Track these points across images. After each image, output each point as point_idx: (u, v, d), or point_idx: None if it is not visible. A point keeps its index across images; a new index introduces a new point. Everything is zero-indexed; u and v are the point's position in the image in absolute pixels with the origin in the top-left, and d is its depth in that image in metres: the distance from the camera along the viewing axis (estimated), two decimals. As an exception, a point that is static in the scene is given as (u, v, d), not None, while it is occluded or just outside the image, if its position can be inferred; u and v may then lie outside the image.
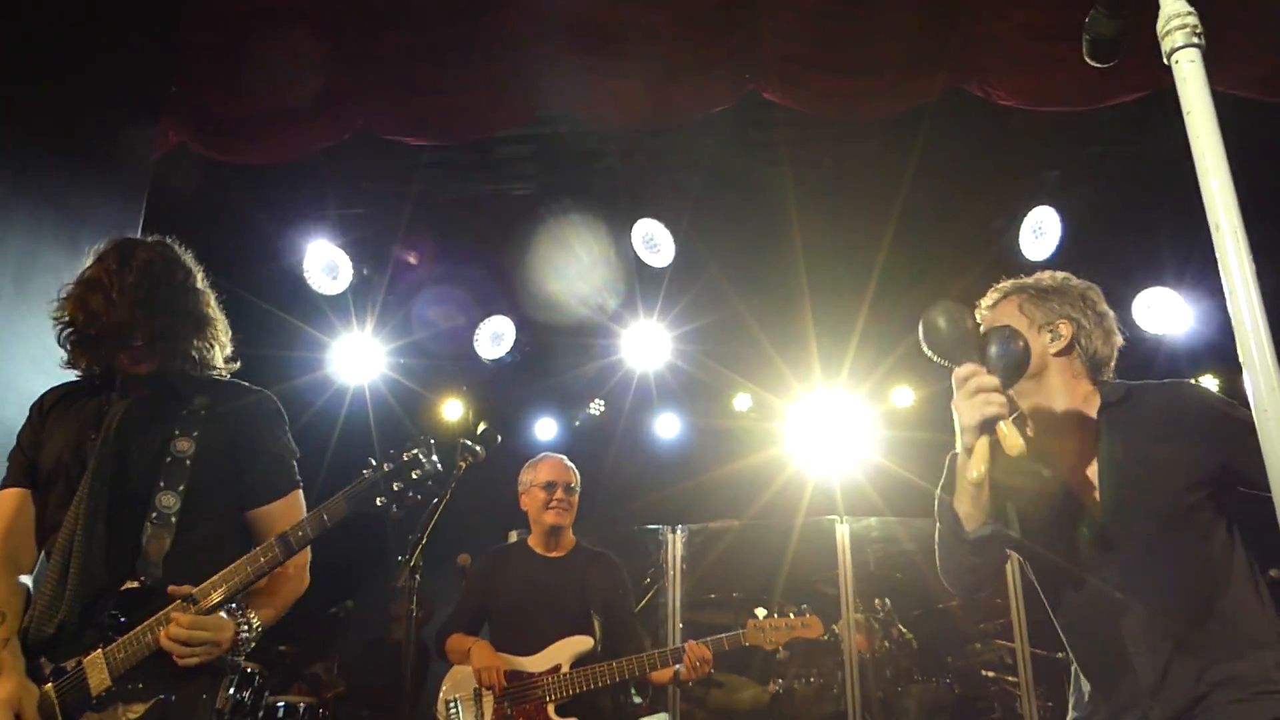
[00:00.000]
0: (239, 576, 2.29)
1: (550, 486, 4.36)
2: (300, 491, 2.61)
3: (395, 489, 2.34)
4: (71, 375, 2.61)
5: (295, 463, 2.65)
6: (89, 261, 2.54)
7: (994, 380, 1.92)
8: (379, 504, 2.33)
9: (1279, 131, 4.83)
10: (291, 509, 2.53)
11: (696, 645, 4.06)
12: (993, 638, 6.54)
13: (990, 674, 6.46)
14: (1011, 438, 1.83)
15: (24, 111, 4.21)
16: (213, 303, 2.66)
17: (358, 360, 7.11)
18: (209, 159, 5.12)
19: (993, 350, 2.00)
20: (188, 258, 2.65)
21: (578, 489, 4.45)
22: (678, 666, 4.06)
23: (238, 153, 5.12)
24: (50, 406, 2.59)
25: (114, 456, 2.42)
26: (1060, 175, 6.47)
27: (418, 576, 3.19)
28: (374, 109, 5.01)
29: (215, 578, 2.28)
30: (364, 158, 6.08)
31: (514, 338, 7.45)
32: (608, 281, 6.98)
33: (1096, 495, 2.13)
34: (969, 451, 1.92)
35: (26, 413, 2.63)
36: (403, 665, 3.54)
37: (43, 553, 2.48)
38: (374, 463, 2.37)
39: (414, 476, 2.36)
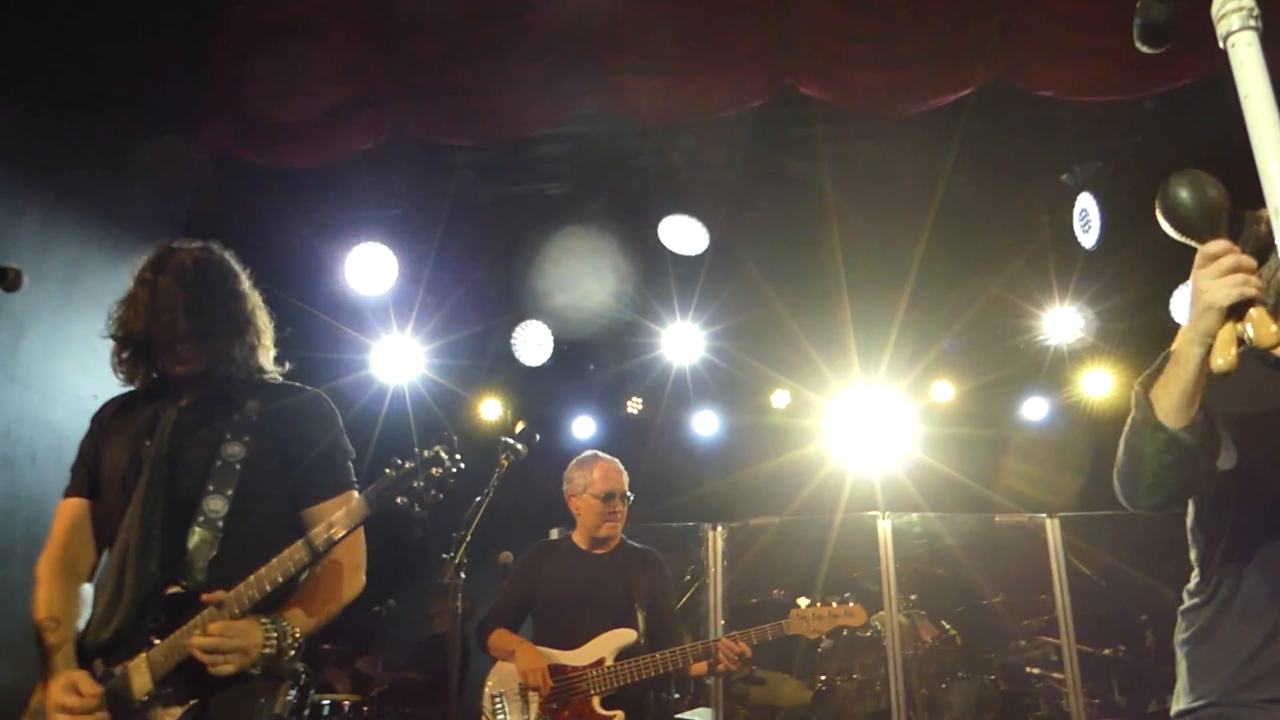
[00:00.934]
0: (268, 581, 2.28)
1: (609, 498, 4.32)
2: (354, 492, 2.56)
3: (416, 487, 2.31)
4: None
5: (350, 464, 2.64)
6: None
7: (1252, 261, 1.65)
8: (400, 503, 2.31)
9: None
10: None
11: (728, 642, 4.03)
12: (1037, 634, 6.47)
13: (1035, 670, 6.40)
14: (1266, 325, 1.58)
15: (67, 121, 4.29)
16: (258, 305, 2.66)
17: (397, 361, 7.16)
18: (250, 164, 5.18)
19: (1249, 234, 1.74)
20: (231, 260, 2.64)
21: (631, 496, 4.43)
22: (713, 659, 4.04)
23: (278, 157, 5.16)
24: (109, 418, 2.61)
25: (167, 463, 2.43)
26: (1103, 166, 6.38)
27: (463, 574, 3.21)
28: (410, 111, 5.04)
29: (247, 581, 2.28)
30: (401, 160, 6.12)
31: (551, 336, 7.45)
32: (644, 279, 6.97)
33: None
34: (1208, 337, 1.66)
35: (77, 416, 2.67)
36: (448, 661, 3.56)
37: (102, 556, 2.52)
38: (397, 461, 2.35)
39: (435, 474, 2.33)
